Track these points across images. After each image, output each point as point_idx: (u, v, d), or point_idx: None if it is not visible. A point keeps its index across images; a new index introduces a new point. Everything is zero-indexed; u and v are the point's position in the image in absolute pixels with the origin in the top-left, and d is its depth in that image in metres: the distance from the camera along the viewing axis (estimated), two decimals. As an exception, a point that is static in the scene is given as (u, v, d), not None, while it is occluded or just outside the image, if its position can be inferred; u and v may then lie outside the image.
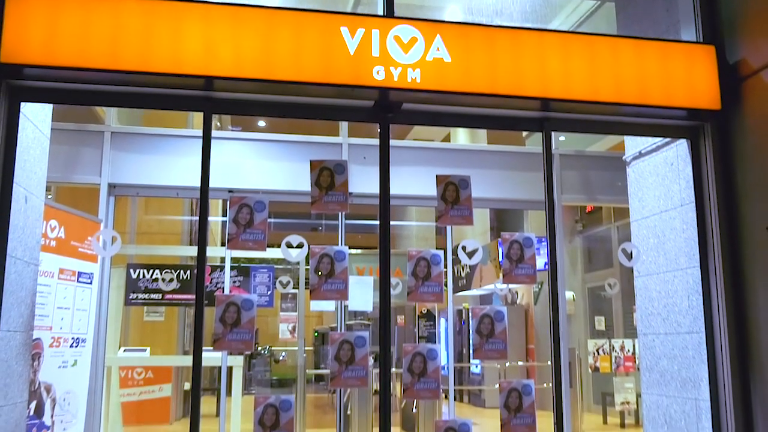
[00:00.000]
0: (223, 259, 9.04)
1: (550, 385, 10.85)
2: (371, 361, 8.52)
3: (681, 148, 4.87)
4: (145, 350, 8.03)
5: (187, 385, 11.36)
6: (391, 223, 4.19)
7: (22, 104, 3.93)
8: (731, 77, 4.54)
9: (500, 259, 11.69)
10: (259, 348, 18.27)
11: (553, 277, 4.55)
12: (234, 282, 8.79)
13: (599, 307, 11.96)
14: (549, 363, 10.87)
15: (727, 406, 4.39)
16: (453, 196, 4.25)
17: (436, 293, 4.06)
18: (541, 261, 12.46)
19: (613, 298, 11.50)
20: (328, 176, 4.13)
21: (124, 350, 8.05)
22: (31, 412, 4.86)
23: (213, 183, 4.77)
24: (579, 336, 12.26)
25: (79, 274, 5.39)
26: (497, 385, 12.34)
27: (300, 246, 4.12)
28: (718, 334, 4.49)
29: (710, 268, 4.59)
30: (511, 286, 13.25)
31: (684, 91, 4.43)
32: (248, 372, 16.72)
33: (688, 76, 4.45)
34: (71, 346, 5.29)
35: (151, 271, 8.71)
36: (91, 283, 5.55)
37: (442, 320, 15.72)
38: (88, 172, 6.24)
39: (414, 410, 8.50)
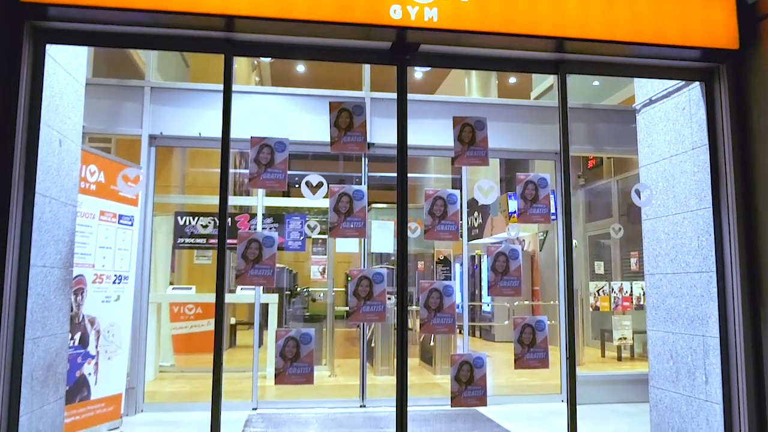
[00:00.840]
0: (264, 208, 8.69)
1: (554, 322, 10.27)
2: (392, 299, 8.08)
3: (693, 92, 4.23)
4: (191, 288, 7.66)
5: (233, 320, 11.05)
6: (410, 175, 3.66)
7: (48, 47, 3.43)
8: (749, 17, 3.86)
9: (510, 210, 11.02)
10: (299, 288, 18.00)
11: (567, 223, 3.98)
12: (269, 228, 8.35)
13: (599, 253, 11.35)
14: (552, 302, 10.25)
15: (737, 343, 3.83)
16: (469, 137, 3.69)
17: (452, 231, 3.53)
18: (546, 212, 11.87)
19: (611, 244, 10.88)
20: (347, 117, 3.60)
21: (173, 288, 7.68)
22: (76, 343, 4.49)
23: (242, 134, 4.31)
24: (580, 279, 11.69)
25: (120, 216, 4.95)
26: (507, 322, 11.90)
27: (320, 186, 3.61)
28: (729, 274, 3.91)
29: (722, 209, 3.99)
30: (524, 227, 12.67)
31: (701, 31, 3.77)
32: (288, 309, 16.49)
33: (706, 14, 3.78)
34: (114, 282, 4.88)
35: (196, 218, 8.29)
36: (131, 225, 5.11)
37: (457, 265, 15.23)
38: (130, 124, 5.76)
39: (431, 344, 8.06)
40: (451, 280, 20.85)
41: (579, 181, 11.92)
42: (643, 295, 9.69)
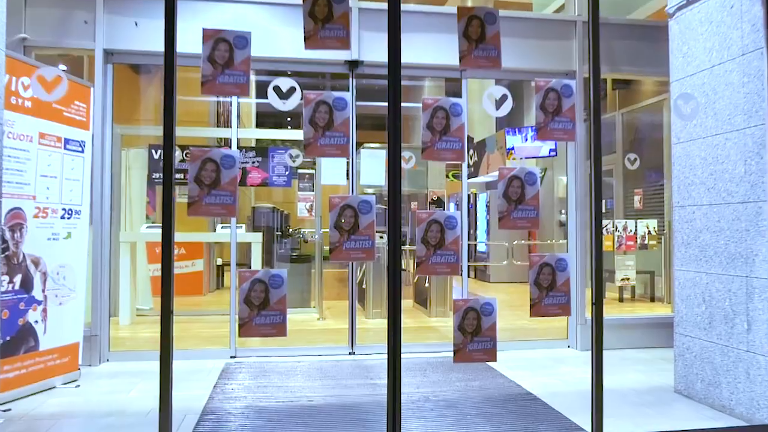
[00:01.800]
0: (253, 141, 7.87)
1: (516, 262, 9.57)
2: (384, 238, 7.40)
3: (747, -14, 3.41)
4: (167, 227, 6.92)
5: (220, 261, 10.40)
6: (403, 104, 2.85)
7: None
8: None
9: (508, 146, 10.18)
10: (290, 229, 17.33)
11: (596, 156, 3.20)
12: (252, 162, 7.57)
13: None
14: (548, 241, 9.59)
15: (796, 285, 3.16)
16: (477, 33, 2.87)
17: (456, 150, 2.76)
18: (546, 147, 11.08)
19: (614, 182, 10.16)
20: (324, 6, 2.77)
21: (147, 227, 6.95)
22: (16, 287, 3.77)
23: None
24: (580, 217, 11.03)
25: (67, 141, 4.15)
26: (505, 262, 11.30)
27: (292, 92, 2.81)
28: (789, 202, 3.20)
29: (782, 125, 3.24)
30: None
31: None
32: (279, 250, 15.86)
33: None
34: (62, 217, 4.13)
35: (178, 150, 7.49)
36: (82, 151, 4.32)
37: (452, 204, 14.54)
38: (81, 36, 4.88)
39: (426, 285, 7.43)
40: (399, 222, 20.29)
41: (581, 116, 11.09)
42: (648, 233, 9.05)
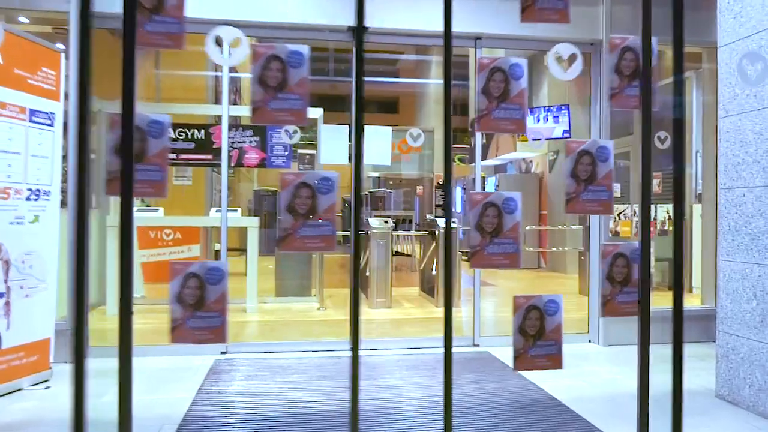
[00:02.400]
0: (245, 119, 7.36)
1: (563, 249, 9.13)
2: (389, 222, 6.92)
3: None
4: (157, 210, 6.46)
5: (217, 246, 9.94)
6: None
7: None
8: None
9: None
10: (293, 214, 16.86)
11: (645, 132, 2.67)
12: (250, 142, 7.07)
13: (615, 174, 10.10)
14: (560, 227, 9.08)
15: None
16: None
17: (516, 119, 2.20)
18: (560, 128, 10.53)
19: (631, 165, 9.63)
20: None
21: (137, 210, 6.47)
22: (-27, 277, 3.30)
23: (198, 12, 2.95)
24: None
25: (32, 112, 3.65)
26: (531, 249, 10.78)
27: (237, 44, 2.27)
28: None
29: None
30: (535, 146, 11.35)
31: None
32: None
33: None
34: (28, 199, 3.65)
35: (163, 130, 6.99)
36: (52, 125, 3.82)
37: (458, 188, 14.05)
38: (53, -3, 4.37)
39: (434, 272, 6.96)
40: (450, 205, 19.77)
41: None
42: (669, 219, 8.53)
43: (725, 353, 3.52)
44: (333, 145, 4.77)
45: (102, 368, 4.01)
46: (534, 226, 11.25)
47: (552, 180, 11.02)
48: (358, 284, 2.12)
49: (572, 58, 2.42)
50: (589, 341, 5.11)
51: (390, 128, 4.80)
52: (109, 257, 6.22)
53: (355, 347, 1.97)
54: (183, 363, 4.37)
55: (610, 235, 8.03)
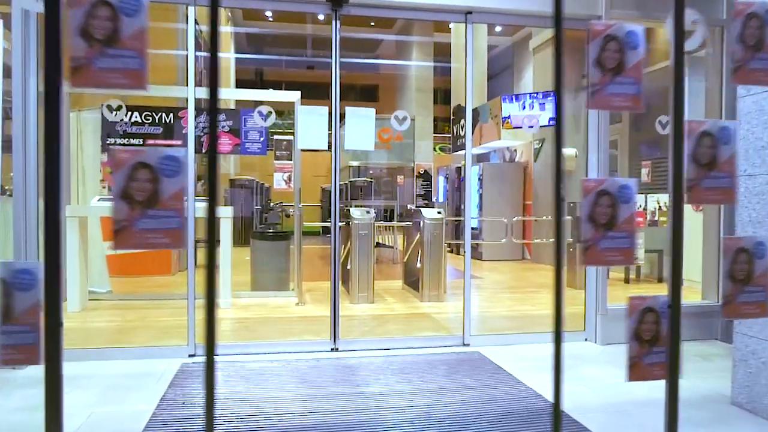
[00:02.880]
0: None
1: (547, 240, 8.81)
2: (371, 212, 6.52)
3: None
4: (122, 199, 5.97)
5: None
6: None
7: None
8: None
9: (503, 114, 9.30)
10: (271, 204, 16.36)
11: (677, 115, 2.32)
12: (222, 127, 6.61)
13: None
14: (545, 217, 8.75)
15: None
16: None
17: (632, 95, 1.75)
18: (546, 116, 10.20)
19: (619, 154, 9.34)
20: None
21: (99, 199, 5.99)
22: None
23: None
24: (578, 192, 10.21)
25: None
26: (503, 240, 10.46)
27: None
28: None
29: None
30: (518, 134, 10.98)
31: None
32: (260, 225, 14.91)
33: None
34: (-39, 185, 3.18)
35: (129, 113, 6.50)
36: (-11, 101, 3.35)
37: (441, 177, 13.70)
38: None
39: (418, 265, 6.58)
40: (431, 194, 19.38)
41: (583, 82, 10.20)
42: (659, 209, 8.27)
43: (744, 357, 3.19)
44: (311, 128, 4.34)
45: (67, 373, 3.49)
46: (517, 217, 10.95)
47: (537, 169, 10.71)
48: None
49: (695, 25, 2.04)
50: (586, 339, 4.78)
51: (373, 110, 4.39)
52: (69, 250, 5.73)
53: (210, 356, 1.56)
54: (146, 368, 3.94)
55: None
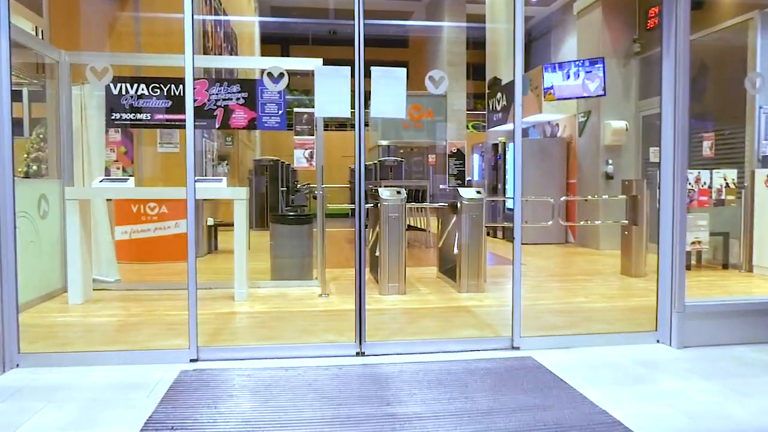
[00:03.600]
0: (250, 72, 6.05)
1: (594, 222, 7.99)
2: (402, 192, 5.82)
3: None
4: (127, 180, 5.39)
5: (211, 221, 8.89)
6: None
7: None
8: None
9: (545, 85, 8.46)
10: (299, 185, 15.76)
11: None
12: (237, 99, 5.96)
13: (654, 137, 8.92)
14: (589, 197, 7.92)
15: None
16: None
17: None
18: (593, 86, 9.31)
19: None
20: None
21: (101, 180, 5.41)
22: None
23: None
24: (629, 169, 9.34)
25: None
26: (550, 222, 9.65)
27: None
28: None
29: None
30: (562, 105, 10.07)
31: None
32: (285, 207, 14.33)
33: None
34: None
35: (135, 85, 5.90)
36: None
37: (476, 156, 12.90)
38: None
39: (455, 250, 5.87)
40: (464, 174, 18.57)
41: (633, 48, 9.28)
42: (726, 186, 7.36)
43: None
44: (331, 92, 3.65)
45: (35, 382, 2.90)
46: (563, 198, 10.12)
47: (582, 144, 9.84)
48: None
49: None
50: (658, 341, 4.02)
51: (404, 70, 3.66)
52: (70, 236, 5.19)
53: None
54: (138, 376, 3.34)
55: (658, 206, 6.89)
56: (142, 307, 5.08)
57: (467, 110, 19.85)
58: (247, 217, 5.56)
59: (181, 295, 5.58)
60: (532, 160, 10.15)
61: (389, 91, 3.67)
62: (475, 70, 22.39)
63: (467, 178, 18.46)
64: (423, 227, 10.75)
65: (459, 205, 5.83)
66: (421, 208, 10.69)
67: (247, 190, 5.54)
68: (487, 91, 12.74)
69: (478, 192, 5.88)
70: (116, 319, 4.68)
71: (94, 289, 5.69)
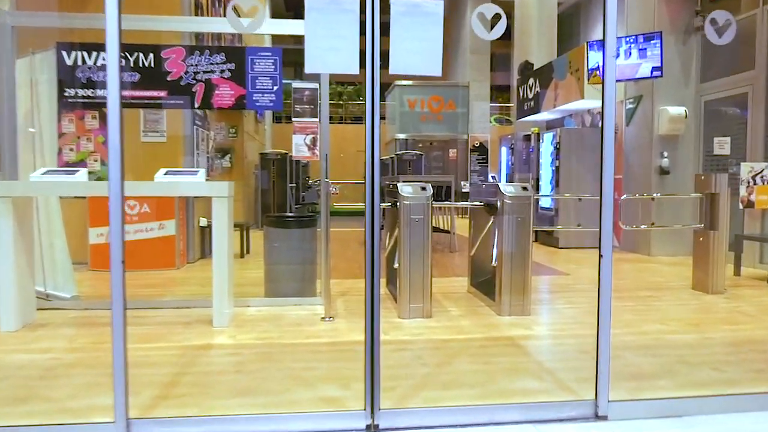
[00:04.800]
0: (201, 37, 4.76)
1: (641, 226, 6.68)
2: (427, 188, 4.56)
3: None
4: (75, 172, 4.20)
5: (204, 221, 7.72)
6: None
7: None
8: None
9: (590, 66, 7.11)
10: (310, 181, 14.56)
11: None
12: (221, 72, 4.76)
13: (718, 124, 7.58)
14: (638, 195, 6.57)
15: None
16: None
17: None
18: (647, 65, 7.97)
19: (751, 110, 7.05)
20: None
21: (46, 172, 4.21)
22: None
23: None
24: (687, 163, 7.99)
25: None
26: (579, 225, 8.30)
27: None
28: None
29: None
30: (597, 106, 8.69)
31: None
32: (295, 205, 13.14)
33: None
34: None
35: (95, 53, 4.72)
36: None
37: (504, 148, 11.59)
38: None
39: (494, 263, 4.62)
40: (487, 170, 17.20)
41: (695, 22, 7.92)
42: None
43: None
44: (330, 34, 2.40)
45: None
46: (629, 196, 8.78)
47: (631, 135, 8.50)
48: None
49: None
50: (809, 406, 2.72)
51: (441, 3, 2.42)
52: (1, 245, 4.02)
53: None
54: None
55: (741, 206, 5.57)
56: (91, 337, 3.89)
57: (489, 102, 18.52)
58: (228, 219, 4.35)
59: (150, 318, 4.39)
60: (571, 152, 8.83)
61: (418, 34, 2.42)
62: (500, 60, 21.02)
63: (491, 174, 17.12)
64: (446, 228, 9.49)
65: (499, 203, 4.57)
66: (444, 207, 9.44)
67: (231, 186, 4.32)
68: (518, 76, 11.42)
69: (525, 188, 4.60)
70: (48, 356, 3.48)
71: (42, 309, 4.52)
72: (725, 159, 7.39)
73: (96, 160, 7.10)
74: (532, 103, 10.46)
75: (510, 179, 11.42)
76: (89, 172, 7.13)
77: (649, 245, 8.00)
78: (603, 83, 2.68)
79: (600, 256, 2.59)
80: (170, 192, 4.20)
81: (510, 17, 12.71)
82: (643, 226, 7.87)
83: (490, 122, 19.47)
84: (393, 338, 3.86)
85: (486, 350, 3.60)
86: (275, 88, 4.76)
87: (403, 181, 4.70)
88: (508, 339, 3.86)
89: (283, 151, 12.71)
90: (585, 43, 8.12)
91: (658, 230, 7.87)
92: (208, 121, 8.39)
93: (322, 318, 4.39)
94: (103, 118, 7.11)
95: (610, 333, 2.58)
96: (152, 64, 4.67)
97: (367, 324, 2.48)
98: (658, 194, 7.47)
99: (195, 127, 7.37)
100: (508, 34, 12.89)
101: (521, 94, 10.97)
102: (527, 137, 10.07)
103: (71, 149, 7.04)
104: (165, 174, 4.25)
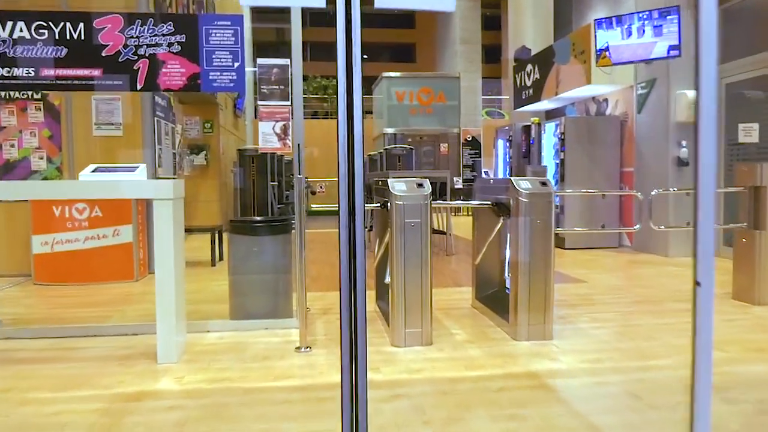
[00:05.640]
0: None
1: (658, 227, 5.81)
2: (425, 185, 3.67)
3: None
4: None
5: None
6: None
7: None
8: None
9: (598, 46, 6.24)
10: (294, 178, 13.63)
11: None
12: (169, 45, 3.85)
13: (742, 111, 6.76)
14: (654, 192, 5.70)
15: None
16: None
17: None
18: (663, 44, 7.14)
19: (781, 92, 6.23)
20: None
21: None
22: None
23: None
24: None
25: None
26: (602, 226, 7.43)
27: None
28: None
29: None
30: (617, 74, 7.76)
31: None
32: (278, 206, 12.23)
33: None
34: None
35: (11, 23, 3.80)
36: None
37: (500, 141, 10.73)
38: None
39: (507, 275, 3.74)
40: (479, 164, 16.35)
41: (714, -4, 7.02)
42: None
43: None
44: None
45: None
46: (616, 191, 7.99)
47: (642, 123, 7.67)
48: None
49: None
50: None
51: None
52: None
53: None
54: None
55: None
56: (7, 383, 2.98)
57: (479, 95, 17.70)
58: (172, 224, 3.44)
59: (83, 351, 3.48)
60: (578, 143, 7.99)
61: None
62: (491, 52, 20.20)
63: (484, 170, 16.28)
64: (441, 229, 8.62)
65: (513, 203, 3.69)
66: (440, 206, 8.57)
67: (177, 186, 3.41)
68: (514, 64, 10.56)
69: (543, 183, 3.73)
70: None
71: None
72: (752, 147, 6.57)
73: (42, 158, 6.16)
74: (531, 91, 9.60)
75: (512, 174, 10.59)
76: (33, 171, 6.18)
77: (667, 245, 7.18)
78: (696, 56, 1.79)
79: (696, 283, 1.71)
80: (99, 194, 3.30)
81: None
82: (672, 228, 7.02)
83: (482, 115, 18.64)
84: (385, 378, 2.99)
85: (507, 396, 2.73)
86: (236, 65, 3.86)
87: (394, 177, 3.81)
88: (533, 377, 2.99)
89: (254, 146, 11.76)
90: (592, 21, 7.26)
91: (674, 229, 7.06)
92: (173, 112, 7.45)
93: (297, 348, 3.51)
94: (49, 110, 6.17)
95: (709, 406, 1.70)
96: (82, 36, 3.75)
97: (345, 381, 1.61)
98: (687, 190, 6.63)
99: (155, 118, 6.43)
100: (497, 24, 12.05)
101: (518, 82, 10.11)
102: (527, 128, 9.22)
103: (12, 145, 6.10)
104: (93, 171, 3.34)
